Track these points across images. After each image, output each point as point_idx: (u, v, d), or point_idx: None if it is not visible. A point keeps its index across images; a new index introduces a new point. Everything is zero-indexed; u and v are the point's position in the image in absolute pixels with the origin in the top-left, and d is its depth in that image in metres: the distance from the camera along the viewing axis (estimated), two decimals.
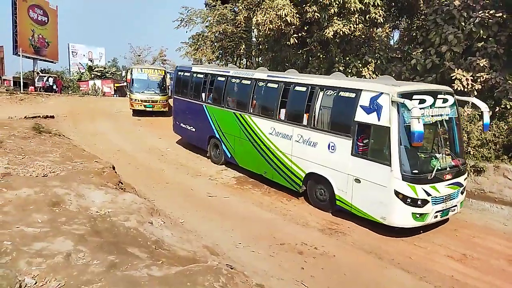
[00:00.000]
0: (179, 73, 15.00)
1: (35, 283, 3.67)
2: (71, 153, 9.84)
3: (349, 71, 14.53)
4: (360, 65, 14.54)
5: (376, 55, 14.65)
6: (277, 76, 10.72)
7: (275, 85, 10.33)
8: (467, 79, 11.59)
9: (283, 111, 10.06)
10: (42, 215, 5.20)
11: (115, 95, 28.73)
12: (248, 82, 11.21)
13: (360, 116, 8.06)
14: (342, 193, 8.54)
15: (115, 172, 8.82)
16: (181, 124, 14.64)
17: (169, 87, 22.96)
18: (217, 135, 12.55)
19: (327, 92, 8.93)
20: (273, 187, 10.77)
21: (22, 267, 3.87)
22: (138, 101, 21.25)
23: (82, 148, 12.07)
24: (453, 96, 8.36)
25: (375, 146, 8.01)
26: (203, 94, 13.19)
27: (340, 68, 14.67)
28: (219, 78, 12.45)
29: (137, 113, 21.46)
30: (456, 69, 11.87)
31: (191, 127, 14.01)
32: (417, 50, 13.56)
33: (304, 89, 9.53)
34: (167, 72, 23.79)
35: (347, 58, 14.99)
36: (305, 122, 9.37)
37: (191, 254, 5.31)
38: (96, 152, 12.02)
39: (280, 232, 7.96)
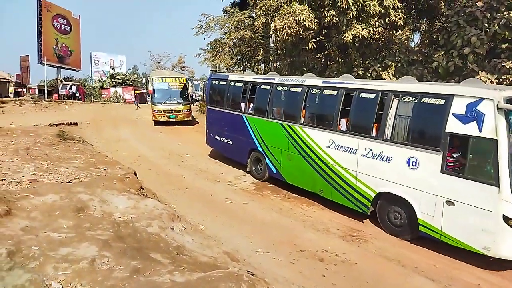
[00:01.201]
0: (213, 82, 14.07)
1: None
2: (94, 160, 10.09)
3: (369, 75, 14.39)
4: (380, 68, 14.37)
5: (397, 58, 14.47)
6: (336, 82, 9.49)
7: (334, 92, 9.20)
8: (491, 82, 11.28)
9: (343, 121, 9.00)
10: (67, 220, 5.34)
11: (135, 102, 29.27)
12: (299, 89, 10.15)
13: (453, 126, 6.84)
14: (428, 217, 7.29)
15: (137, 178, 8.98)
16: (216, 137, 13.70)
17: (191, 95, 22.76)
18: (260, 149, 11.56)
19: (404, 99, 7.72)
20: (293, 192, 10.71)
21: (49, 272, 3.97)
22: (161, 112, 20.75)
23: (105, 154, 12.37)
24: None
25: (475, 161, 6.79)
26: (243, 104, 12.23)
27: (360, 72, 14.54)
28: (263, 87, 11.48)
29: (158, 122, 21.16)
30: (480, 71, 11.58)
31: (228, 140, 13.05)
32: (439, 52, 13.29)
33: (372, 96, 8.34)
34: (188, 79, 23.68)
35: (367, 62, 14.84)
36: (374, 133, 8.22)
37: (212, 260, 5.34)
38: (118, 158, 12.30)
39: (300, 239, 7.89)
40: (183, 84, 21.95)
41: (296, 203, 10.06)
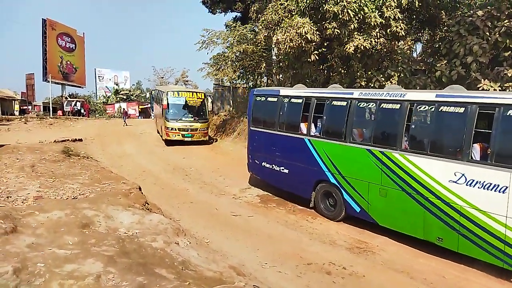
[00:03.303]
0: (258, 99, 12.04)
1: None
2: (99, 175, 10.12)
3: (372, 85, 14.42)
4: (383, 79, 14.40)
5: (399, 68, 14.49)
6: (463, 96, 7.26)
7: (459, 110, 7.10)
8: (495, 90, 11.27)
9: (476, 147, 6.96)
10: (72, 237, 5.33)
11: (123, 118, 28.44)
12: (396, 106, 8.15)
13: None
14: None
15: (141, 192, 8.99)
16: (264, 164, 11.62)
17: (209, 112, 21.18)
18: (333, 180, 9.45)
19: None
20: (298, 205, 10.64)
21: None
22: (175, 130, 19.11)
23: (110, 170, 12.40)
24: None
25: None
26: (304, 125, 10.26)
27: (362, 83, 14.58)
28: (335, 103, 9.52)
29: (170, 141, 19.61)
30: (483, 80, 11.61)
31: (281, 168, 10.93)
32: (442, 61, 13.33)
33: None
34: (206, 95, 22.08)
35: (369, 73, 14.89)
36: None
37: (217, 274, 5.29)
38: (123, 174, 12.34)
39: (306, 251, 7.81)
40: (201, 100, 20.18)
41: (302, 216, 9.98)
